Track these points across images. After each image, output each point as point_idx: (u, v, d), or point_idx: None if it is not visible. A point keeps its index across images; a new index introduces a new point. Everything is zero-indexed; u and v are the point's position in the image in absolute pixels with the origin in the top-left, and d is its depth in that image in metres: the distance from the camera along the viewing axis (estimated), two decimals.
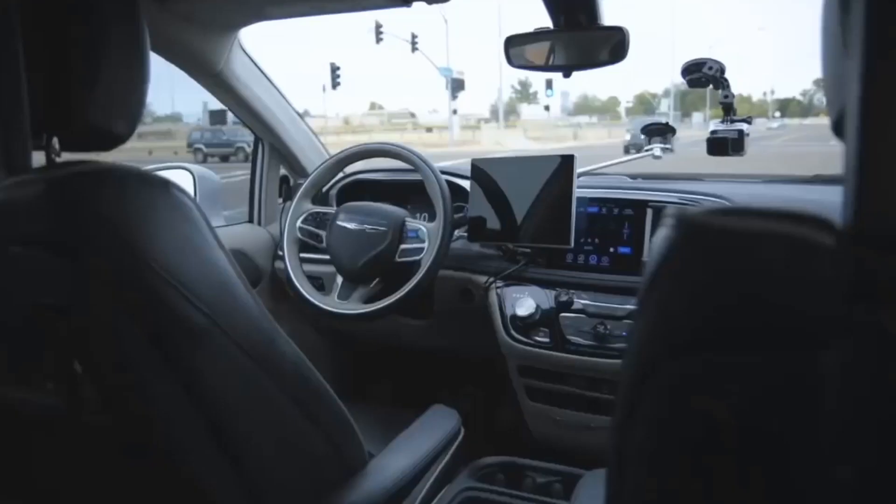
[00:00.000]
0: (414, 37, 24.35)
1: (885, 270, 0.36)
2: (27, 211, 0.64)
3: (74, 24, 0.70)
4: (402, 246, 1.54)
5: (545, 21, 1.32)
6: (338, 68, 23.60)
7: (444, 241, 1.48)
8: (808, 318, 0.37)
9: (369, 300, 1.55)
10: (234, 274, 0.74)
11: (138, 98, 0.76)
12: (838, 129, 0.42)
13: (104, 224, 0.63)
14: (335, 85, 23.33)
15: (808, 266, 0.37)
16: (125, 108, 0.75)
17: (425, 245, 1.51)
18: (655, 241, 0.42)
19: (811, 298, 0.37)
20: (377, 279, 1.57)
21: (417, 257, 1.51)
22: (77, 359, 0.70)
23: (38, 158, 0.72)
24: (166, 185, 0.69)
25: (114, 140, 0.76)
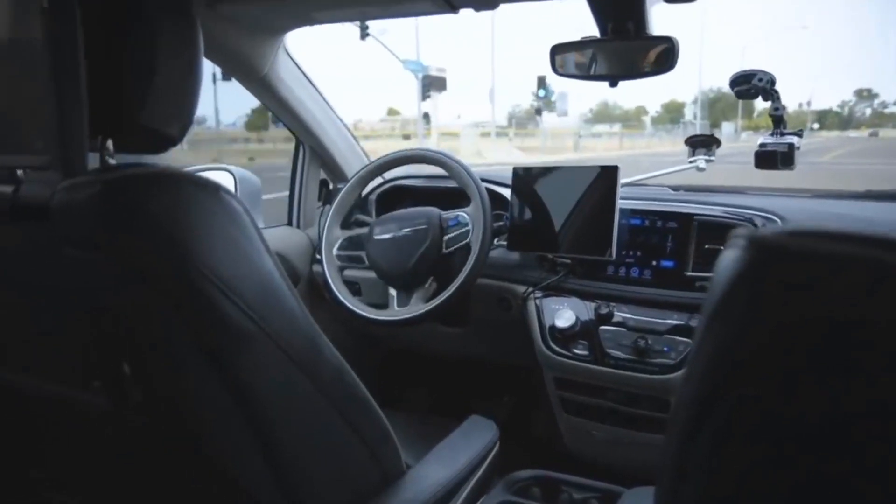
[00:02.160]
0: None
1: None
2: (82, 213, 0.65)
3: (130, 28, 0.71)
4: (446, 237, 1.53)
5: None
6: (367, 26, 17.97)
7: (484, 249, 1.47)
8: (882, 344, 0.35)
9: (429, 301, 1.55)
10: (280, 278, 0.74)
11: (190, 101, 0.77)
12: None
13: (156, 227, 0.64)
14: (364, 36, 17.80)
15: (882, 291, 0.35)
16: (178, 111, 0.76)
17: (469, 227, 1.51)
18: (724, 262, 0.40)
19: (885, 323, 0.35)
20: (431, 278, 1.56)
21: (465, 241, 1.51)
22: (126, 360, 0.70)
23: (93, 160, 0.72)
24: (217, 189, 0.69)
25: (166, 142, 0.77)
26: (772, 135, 1.49)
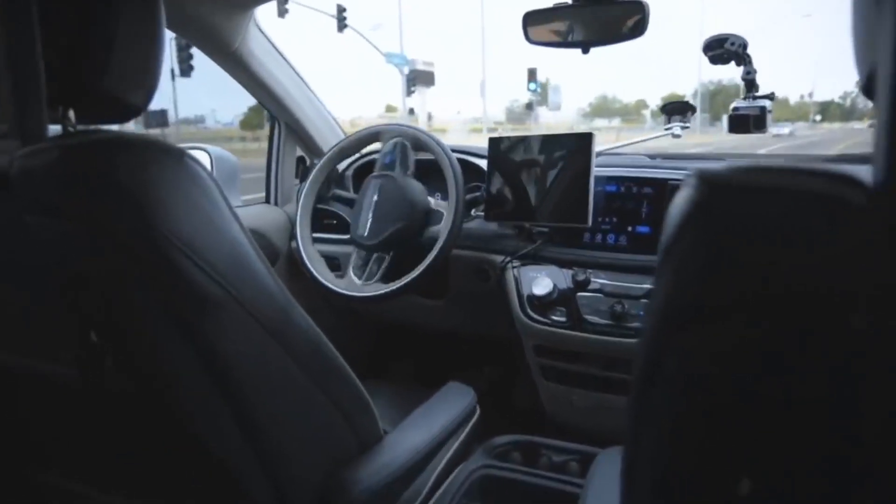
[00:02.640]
0: (341, 10, 16.98)
1: None
2: (42, 179, 0.64)
3: None
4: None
5: None
6: (344, 10, 16.96)
7: (457, 221, 1.47)
8: (838, 278, 0.36)
9: (384, 276, 1.55)
10: (250, 247, 0.74)
11: (154, 69, 0.76)
12: (868, 89, 0.41)
13: (119, 191, 0.63)
14: (342, 28, 16.93)
15: (839, 224, 0.35)
16: (141, 80, 0.75)
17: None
18: (675, 202, 0.41)
19: (842, 258, 0.35)
20: (392, 252, 1.58)
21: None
22: (93, 328, 0.70)
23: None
24: (181, 154, 0.69)
25: (130, 111, 0.76)
26: (744, 98, 1.49)
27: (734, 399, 0.40)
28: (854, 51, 0.44)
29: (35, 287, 0.74)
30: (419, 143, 1.58)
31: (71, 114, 0.72)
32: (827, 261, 0.35)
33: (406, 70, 21.55)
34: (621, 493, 0.50)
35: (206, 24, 1.51)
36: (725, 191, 0.38)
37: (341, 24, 16.63)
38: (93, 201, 0.64)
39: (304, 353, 0.80)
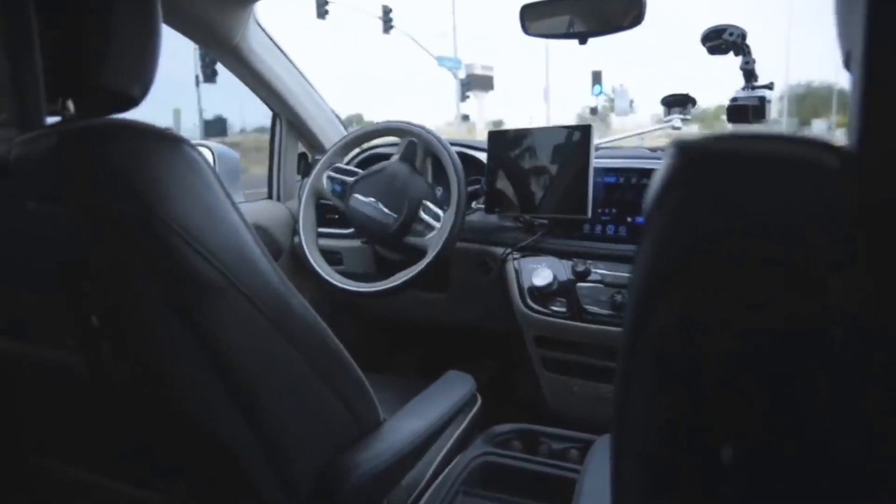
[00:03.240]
0: (387, 10, 15.93)
1: (891, 188, 0.35)
2: (41, 165, 0.65)
3: None
4: (410, 235, 1.55)
5: None
6: (390, 10, 15.89)
7: (460, 216, 1.48)
8: (815, 241, 0.36)
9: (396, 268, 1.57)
10: (249, 235, 0.75)
11: (151, 61, 0.77)
12: (848, 63, 0.42)
13: (116, 177, 0.64)
14: (388, 29, 15.74)
15: (814, 188, 0.36)
16: (138, 71, 0.76)
17: (436, 228, 1.52)
18: (657, 172, 0.41)
19: (818, 221, 0.36)
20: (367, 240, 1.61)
21: (424, 239, 1.52)
22: (94, 313, 0.71)
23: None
24: (179, 140, 0.69)
25: (128, 103, 0.77)
26: (743, 89, 1.49)
27: (713, 366, 0.40)
28: (836, 29, 0.45)
29: (36, 273, 0.75)
30: (421, 140, 1.59)
31: (70, 105, 0.73)
32: (802, 223, 0.36)
33: (460, 74, 20.20)
34: (611, 471, 0.51)
35: (205, 20, 1.52)
36: (703, 158, 0.39)
37: (387, 26, 15.77)
38: (91, 186, 0.65)
39: (304, 340, 0.81)
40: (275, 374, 0.79)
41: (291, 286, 0.80)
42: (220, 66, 1.84)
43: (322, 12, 14.38)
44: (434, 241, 1.50)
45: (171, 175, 0.67)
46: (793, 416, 0.40)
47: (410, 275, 1.49)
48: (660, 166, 0.42)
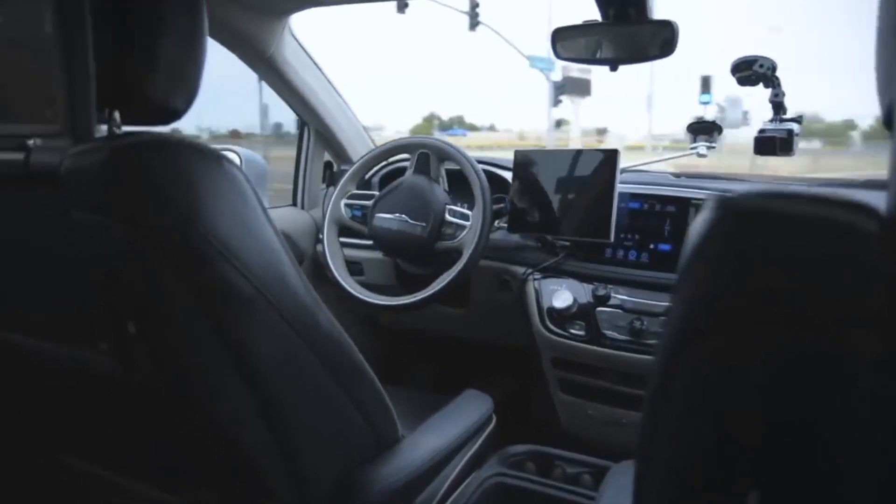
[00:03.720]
0: (474, 5, 14.29)
1: None
2: (90, 178, 0.67)
3: (138, 4, 0.73)
4: (441, 241, 1.56)
5: None
6: (477, 4, 13.99)
7: (484, 233, 1.50)
8: (846, 302, 0.37)
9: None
10: (282, 249, 0.77)
11: (195, 75, 0.79)
12: (888, 121, 0.42)
13: (160, 190, 0.66)
14: (474, 25, 14.09)
15: (849, 250, 0.37)
16: (183, 85, 0.78)
17: (467, 227, 1.53)
18: (695, 223, 0.42)
19: (853, 284, 0.37)
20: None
21: (456, 241, 1.53)
22: (131, 320, 0.73)
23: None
24: (219, 157, 0.72)
25: (172, 114, 0.79)
26: (771, 121, 1.49)
27: (743, 414, 0.41)
28: (876, 82, 0.45)
29: (76, 279, 0.77)
30: (447, 156, 1.60)
31: (116, 115, 0.76)
32: (838, 285, 0.37)
33: (554, 76, 17.84)
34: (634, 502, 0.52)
35: (242, 30, 1.55)
36: (743, 216, 0.40)
37: (474, 22, 14.17)
38: (136, 201, 0.67)
39: (329, 354, 0.83)
40: (299, 385, 0.81)
41: (319, 300, 0.82)
42: None
43: (402, 5, 12.53)
44: (468, 239, 1.51)
45: (211, 190, 0.69)
46: (820, 465, 0.41)
47: (434, 289, 1.51)
48: (681, 193, 0.43)
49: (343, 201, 1.70)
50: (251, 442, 0.78)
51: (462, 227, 1.54)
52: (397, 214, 1.58)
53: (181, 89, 0.78)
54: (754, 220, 0.40)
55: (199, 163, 0.70)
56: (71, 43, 0.68)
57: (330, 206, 1.71)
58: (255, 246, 0.73)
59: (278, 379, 0.77)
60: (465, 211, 1.56)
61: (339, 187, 1.72)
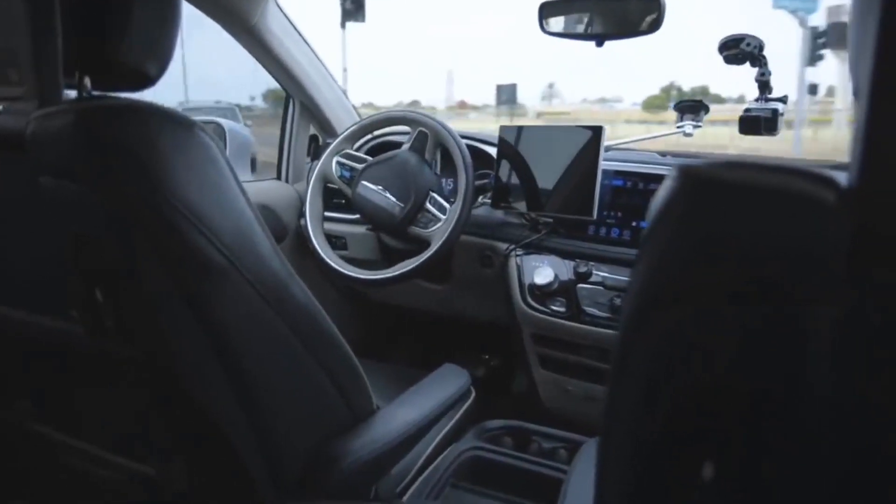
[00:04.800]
0: None
1: (887, 227, 0.36)
2: (56, 142, 0.66)
3: None
4: (414, 225, 1.55)
5: None
6: None
7: (466, 206, 1.49)
8: (803, 272, 0.37)
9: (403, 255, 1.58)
10: (254, 218, 0.76)
11: (169, 40, 0.78)
12: (857, 95, 0.42)
13: (126, 156, 0.65)
14: None
15: (807, 221, 0.37)
16: (156, 50, 0.77)
17: (440, 221, 1.52)
18: (658, 193, 0.42)
19: (808, 253, 0.37)
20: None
21: (428, 230, 1.53)
22: (98, 287, 0.72)
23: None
24: (192, 124, 0.71)
25: (145, 80, 0.78)
26: (756, 100, 1.49)
27: (698, 386, 0.41)
28: (849, 60, 0.45)
29: (45, 245, 0.76)
30: (431, 130, 1.59)
31: (87, 81, 0.74)
32: (794, 255, 0.37)
33: (812, 20, 12.30)
34: (596, 475, 0.52)
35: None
36: (704, 185, 0.39)
37: None
38: (103, 166, 0.66)
39: (302, 325, 0.82)
40: (271, 356, 0.80)
41: (292, 271, 0.81)
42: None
43: None
44: (438, 234, 1.50)
45: (182, 158, 0.69)
46: (775, 436, 0.41)
47: (411, 265, 1.50)
48: (665, 171, 0.43)
49: (336, 158, 1.69)
50: (221, 412, 0.78)
51: (436, 220, 1.53)
52: (380, 187, 1.57)
53: (154, 54, 0.77)
54: (714, 189, 0.39)
55: (171, 129, 0.69)
56: (36, 4, 0.66)
57: (321, 160, 1.69)
58: (227, 216, 0.72)
59: (249, 350, 0.76)
60: (445, 204, 1.55)
61: (333, 144, 1.70)
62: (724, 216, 0.38)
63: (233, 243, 0.72)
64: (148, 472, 0.89)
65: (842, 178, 0.38)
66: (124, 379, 0.82)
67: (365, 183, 1.59)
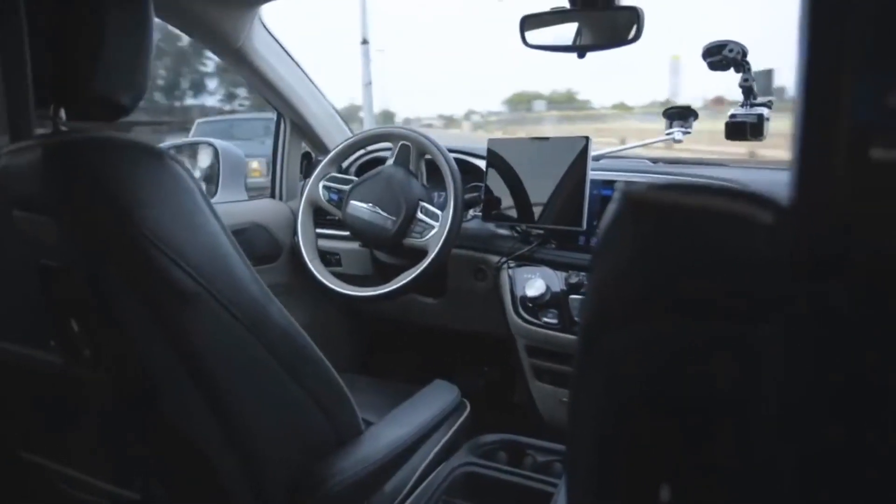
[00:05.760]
0: None
1: (825, 245, 0.36)
2: (25, 175, 0.67)
3: None
4: (409, 237, 1.55)
5: None
6: None
7: (454, 225, 1.49)
8: (741, 292, 0.37)
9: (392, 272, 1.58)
10: (228, 243, 0.76)
11: (142, 69, 0.78)
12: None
13: (98, 190, 0.66)
14: None
15: (742, 241, 0.37)
16: (129, 80, 0.77)
17: (435, 227, 1.52)
18: (605, 214, 0.42)
19: (745, 273, 0.37)
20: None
21: (423, 239, 1.53)
22: (73, 317, 0.73)
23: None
24: (161, 154, 0.71)
25: (119, 111, 0.78)
26: (742, 106, 1.49)
27: (647, 403, 0.41)
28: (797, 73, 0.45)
29: (20, 278, 0.77)
30: (419, 146, 1.60)
31: (62, 113, 0.75)
32: (735, 277, 0.37)
33: None
34: (566, 494, 0.52)
35: (209, 21, 1.53)
36: (642, 208, 0.40)
37: None
38: (73, 198, 0.66)
39: (281, 347, 0.83)
40: (251, 380, 0.81)
41: (270, 294, 0.81)
42: None
43: None
44: (434, 241, 1.51)
45: (152, 187, 0.69)
46: (726, 457, 0.41)
47: (411, 276, 1.50)
48: (656, 179, 0.43)
49: (321, 183, 1.70)
50: (202, 437, 0.78)
51: (430, 228, 1.53)
52: (370, 204, 1.58)
53: (127, 84, 0.77)
54: (651, 212, 0.39)
55: (139, 160, 0.69)
56: (5, 41, 0.67)
57: (308, 187, 1.70)
58: (200, 242, 0.73)
59: (227, 374, 0.77)
60: (436, 211, 1.55)
61: (318, 169, 1.72)
62: (663, 238, 0.39)
63: (207, 270, 0.72)
64: (133, 497, 0.89)
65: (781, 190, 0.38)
66: (105, 406, 0.82)
67: (354, 203, 1.60)
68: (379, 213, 1.56)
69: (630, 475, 0.45)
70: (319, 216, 1.74)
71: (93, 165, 0.67)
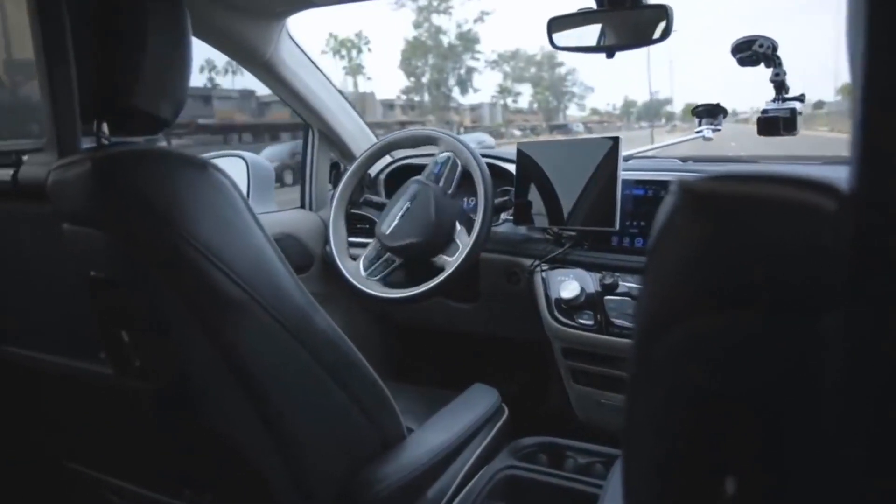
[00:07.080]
0: None
1: (887, 233, 0.35)
2: (73, 190, 0.69)
3: (119, 14, 0.74)
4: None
5: None
6: None
7: (486, 223, 1.49)
8: (807, 282, 0.37)
9: (384, 278, 1.58)
10: (272, 251, 0.77)
11: (181, 83, 0.80)
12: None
13: (143, 201, 0.67)
14: None
15: (807, 230, 0.36)
16: (169, 94, 0.79)
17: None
18: (661, 209, 0.42)
19: (810, 263, 0.36)
20: (402, 259, 1.60)
21: (454, 257, 1.52)
22: (124, 329, 0.74)
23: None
24: (204, 165, 0.72)
25: (160, 124, 0.80)
26: (773, 101, 1.47)
27: (712, 401, 0.41)
28: (849, 63, 0.45)
29: (70, 290, 0.78)
30: (449, 148, 1.59)
31: (105, 128, 0.77)
32: (798, 267, 0.36)
33: None
34: (623, 491, 0.52)
35: (238, 35, 1.55)
36: (702, 199, 0.39)
37: None
38: (120, 210, 0.68)
39: (325, 354, 0.83)
40: (296, 386, 0.81)
41: (314, 301, 0.82)
42: None
43: None
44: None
45: (195, 197, 0.70)
46: (792, 450, 0.40)
47: (436, 282, 1.49)
48: (666, 197, 0.43)
49: (346, 205, 1.71)
50: (250, 445, 0.79)
51: (446, 164, 1.55)
52: (405, 231, 1.56)
53: (169, 99, 0.79)
54: (715, 204, 0.39)
55: (182, 170, 0.70)
56: (52, 59, 0.69)
57: (333, 208, 1.71)
58: (244, 250, 0.74)
59: (274, 381, 0.77)
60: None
61: (353, 167, 1.72)
62: (726, 230, 0.38)
63: (252, 278, 0.73)
64: None
65: (842, 179, 0.37)
66: (153, 415, 0.84)
67: (386, 231, 1.58)
68: (414, 241, 1.54)
69: (694, 470, 0.44)
70: (351, 221, 1.74)
71: (138, 177, 0.68)
